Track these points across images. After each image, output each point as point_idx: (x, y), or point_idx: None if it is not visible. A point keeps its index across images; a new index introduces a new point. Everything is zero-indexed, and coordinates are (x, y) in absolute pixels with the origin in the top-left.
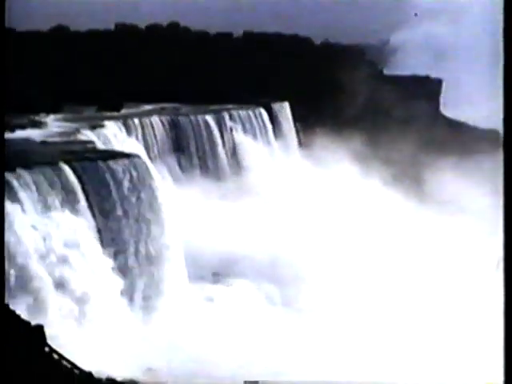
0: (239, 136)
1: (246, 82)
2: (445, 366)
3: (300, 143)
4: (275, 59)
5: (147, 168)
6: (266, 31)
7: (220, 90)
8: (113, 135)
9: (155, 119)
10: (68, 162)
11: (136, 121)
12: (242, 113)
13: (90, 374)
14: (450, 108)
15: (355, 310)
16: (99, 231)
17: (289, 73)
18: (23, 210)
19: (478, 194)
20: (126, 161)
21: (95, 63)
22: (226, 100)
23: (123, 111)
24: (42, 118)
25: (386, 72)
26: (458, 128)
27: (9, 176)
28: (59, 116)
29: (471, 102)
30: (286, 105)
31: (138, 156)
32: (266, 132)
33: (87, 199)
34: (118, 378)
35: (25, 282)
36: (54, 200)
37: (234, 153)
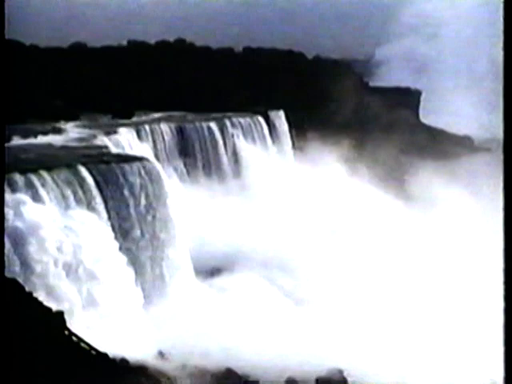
0: (239, 141)
1: (246, 92)
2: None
3: (294, 147)
4: (272, 72)
5: (156, 170)
6: (263, 47)
7: (222, 100)
8: (125, 140)
9: (164, 126)
10: (85, 165)
11: (146, 127)
12: (242, 120)
13: (105, 355)
14: (428, 116)
15: (347, 300)
16: (112, 225)
17: (284, 84)
18: (44, 207)
19: (454, 192)
20: (137, 163)
21: (110, 76)
22: (227, 108)
23: (135, 119)
24: (62, 125)
25: (370, 84)
26: (435, 134)
27: (32, 177)
28: (77, 123)
29: (447, 110)
30: (282, 113)
31: (148, 159)
32: (264, 137)
33: (102, 197)
34: (131, 361)
35: (43, 270)
36: (72, 198)
37: (234, 156)
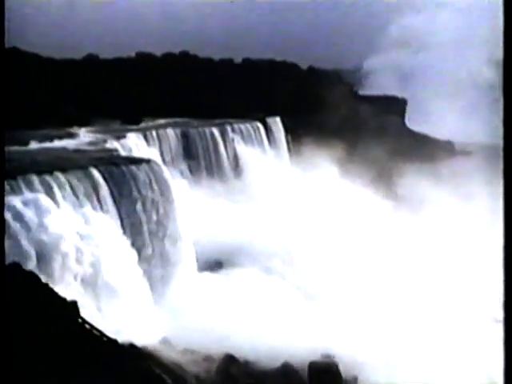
0: (239, 145)
1: (245, 100)
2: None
3: (290, 150)
4: (269, 81)
5: (162, 171)
6: (261, 58)
7: (223, 107)
8: (134, 144)
9: (169, 131)
10: (96, 167)
11: (153, 132)
12: (242, 126)
13: (115, 341)
14: (413, 122)
15: (340, 291)
16: (122, 222)
17: (280, 93)
18: (58, 206)
19: (438, 192)
20: (144, 165)
21: (119, 85)
22: (228, 115)
23: (142, 124)
24: (76, 130)
25: (360, 92)
26: (419, 139)
27: (48, 178)
28: (89, 129)
29: (430, 117)
30: (278, 119)
31: (154, 161)
32: (262, 142)
33: (112, 197)
34: (139, 346)
35: (57, 262)
36: (85, 198)
37: (235, 159)
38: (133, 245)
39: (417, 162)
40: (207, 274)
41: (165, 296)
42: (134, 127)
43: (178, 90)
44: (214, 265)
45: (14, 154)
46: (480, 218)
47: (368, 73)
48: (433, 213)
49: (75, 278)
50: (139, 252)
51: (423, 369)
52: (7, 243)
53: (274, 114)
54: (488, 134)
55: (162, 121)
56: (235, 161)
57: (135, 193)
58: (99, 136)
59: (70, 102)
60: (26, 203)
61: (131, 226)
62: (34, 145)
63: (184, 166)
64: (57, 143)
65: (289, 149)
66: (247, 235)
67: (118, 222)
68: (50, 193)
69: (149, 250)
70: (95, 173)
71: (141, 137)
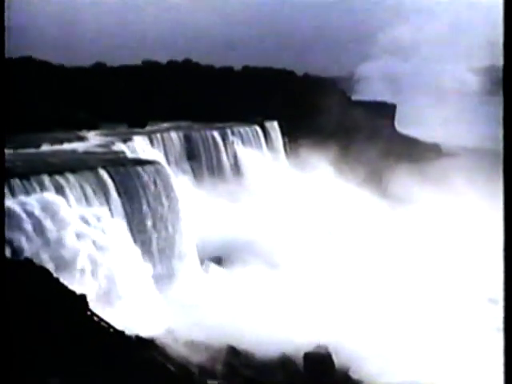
0: (239, 147)
1: (245, 105)
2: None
3: (287, 152)
4: (267, 87)
5: (166, 171)
6: (260, 66)
7: (224, 111)
8: (140, 147)
9: (173, 134)
10: (104, 168)
11: (158, 135)
12: (242, 129)
13: (122, 333)
14: (402, 126)
15: (334, 285)
16: (128, 219)
17: (278, 98)
18: (69, 204)
19: (426, 191)
20: (150, 166)
21: (126, 91)
22: (228, 119)
23: (148, 128)
24: (85, 133)
25: (353, 98)
26: (408, 141)
27: (59, 178)
28: (98, 132)
29: (419, 121)
30: (276, 123)
31: (159, 162)
32: (260, 144)
33: (119, 195)
34: (144, 337)
35: (67, 254)
36: (93, 196)
37: (235, 160)
38: (138, 240)
39: (406, 162)
40: (209, 269)
41: (168, 290)
42: (140, 130)
43: (182, 96)
44: (214, 259)
45: (27, 156)
46: (464, 214)
47: (360, 80)
48: (421, 208)
49: (82, 273)
50: (144, 247)
51: (415, 360)
52: (21, 239)
53: (271, 118)
54: (472, 137)
55: (166, 124)
56: (235, 162)
57: (141, 192)
58: (107, 139)
59: (79, 107)
60: (38, 201)
61: (137, 223)
62: (45, 147)
63: (187, 167)
64: (67, 146)
65: (286, 151)
66: (246, 231)
67: (124, 219)
68: (60, 191)
69: (153, 246)
70: (103, 173)
71: (146, 139)
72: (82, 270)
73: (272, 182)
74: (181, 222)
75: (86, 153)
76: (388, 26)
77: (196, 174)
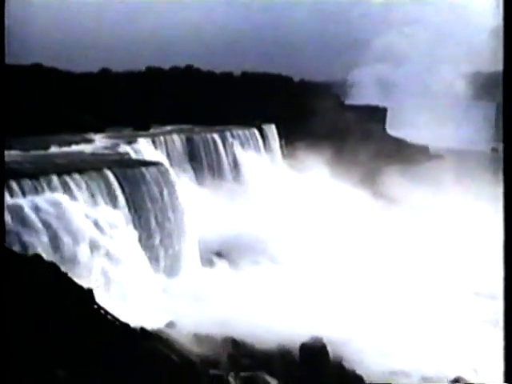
0: (238, 149)
1: (243, 109)
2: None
3: (283, 154)
4: (265, 92)
5: (169, 173)
6: (258, 71)
7: (224, 115)
8: (143, 148)
9: (175, 136)
10: (110, 168)
11: (161, 138)
12: (240, 132)
13: (127, 325)
14: (393, 129)
15: (329, 279)
16: (132, 218)
17: (275, 102)
18: (76, 202)
19: (415, 190)
20: (153, 167)
21: (130, 95)
22: (228, 122)
23: (151, 131)
24: (92, 136)
25: (346, 102)
26: (398, 143)
27: (67, 178)
28: (104, 135)
29: (408, 124)
30: (273, 126)
31: (162, 163)
32: (258, 146)
33: (124, 195)
34: (148, 330)
35: (76, 253)
36: (99, 195)
37: (234, 161)
38: (142, 235)
39: (396, 163)
40: (209, 264)
41: (171, 284)
42: (144, 133)
43: (183, 100)
44: (214, 255)
45: (37, 157)
46: (451, 211)
47: (353, 85)
48: (411, 207)
49: (90, 270)
50: (148, 242)
51: (408, 351)
52: (28, 236)
53: (269, 122)
54: (458, 139)
55: (168, 127)
56: (234, 163)
57: (144, 191)
58: (113, 141)
59: (86, 111)
60: (46, 200)
61: (140, 221)
62: (54, 149)
63: (188, 167)
64: (74, 148)
65: (282, 152)
66: (244, 229)
67: (129, 217)
68: (68, 191)
69: (156, 242)
70: (109, 174)
71: (150, 142)
72: (87, 264)
73: (269, 182)
74: (183, 219)
75: (93, 154)
76: (379, 34)
77: (197, 174)
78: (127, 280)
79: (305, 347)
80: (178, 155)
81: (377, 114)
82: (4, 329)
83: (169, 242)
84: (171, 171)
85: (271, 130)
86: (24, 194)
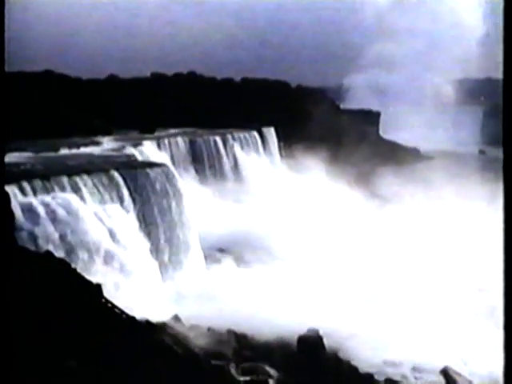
0: (238, 151)
1: (244, 112)
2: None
3: (282, 155)
4: (264, 97)
5: (172, 173)
6: (257, 77)
7: (225, 118)
8: (149, 150)
9: (179, 139)
10: (117, 170)
11: (165, 140)
12: (241, 134)
13: (133, 318)
14: (386, 132)
15: (326, 275)
16: (138, 216)
17: (274, 106)
18: (85, 203)
19: (407, 190)
20: (158, 169)
21: (136, 100)
22: (229, 125)
23: (156, 134)
24: (100, 139)
25: (341, 106)
26: (391, 146)
27: (76, 178)
28: (111, 138)
29: (400, 128)
30: (272, 129)
31: (166, 165)
32: (258, 148)
33: (130, 195)
34: (154, 323)
35: (85, 249)
36: (107, 195)
37: (234, 162)
38: (147, 233)
39: (389, 164)
40: (212, 261)
41: (175, 279)
42: (149, 136)
43: (187, 105)
44: (216, 251)
45: (47, 159)
46: (442, 210)
47: (348, 90)
48: (402, 206)
49: (91, 260)
50: (152, 241)
51: (403, 343)
52: (40, 230)
53: (268, 125)
54: (448, 142)
55: (172, 130)
56: (235, 164)
57: (150, 191)
58: (119, 144)
59: (94, 115)
60: (56, 200)
61: (146, 219)
62: (63, 151)
63: (191, 168)
64: (83, 150)
65: (281, 154)
66: (245, 226)
67: (135, 216)
68: (77, 191)
69: (161, 240)
70: (116, 175)
71: (155, 144)
72: (92, 258)
73: (269, 182)
74: (186, 218)
75: (101, 156)
76: (373, 42)
77: (199, 174)
78: (135, 276)
79: (302, 339)
80: (182, 157)
81: (371, 118)
82: (17, 322)
83: (173, 238)
84: (174, 172)
85: (270, 132)
86: (35, 193)
